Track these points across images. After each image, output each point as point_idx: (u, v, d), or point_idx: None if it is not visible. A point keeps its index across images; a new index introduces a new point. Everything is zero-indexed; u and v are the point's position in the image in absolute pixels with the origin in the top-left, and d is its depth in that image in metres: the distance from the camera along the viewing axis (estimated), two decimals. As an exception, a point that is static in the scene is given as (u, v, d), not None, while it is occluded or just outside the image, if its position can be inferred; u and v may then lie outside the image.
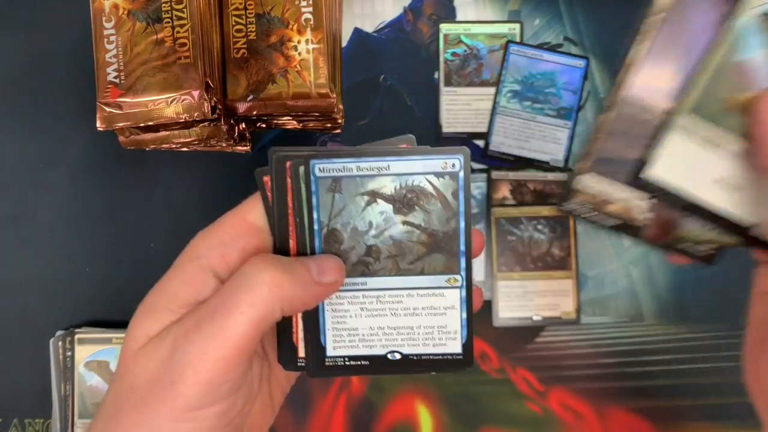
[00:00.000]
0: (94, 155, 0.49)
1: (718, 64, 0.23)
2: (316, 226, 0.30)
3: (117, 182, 0.49)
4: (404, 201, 0.30)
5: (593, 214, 0.26)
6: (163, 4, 0.41)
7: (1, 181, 0.49)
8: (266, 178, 0.30)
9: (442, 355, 0.31)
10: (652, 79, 0.25)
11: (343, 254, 0.30)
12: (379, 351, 0.31)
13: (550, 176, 0.49)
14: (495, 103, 0.49)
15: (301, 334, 0.31)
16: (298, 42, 0.43)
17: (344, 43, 0.49)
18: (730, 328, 0.48)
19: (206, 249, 0.29)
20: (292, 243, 0.30)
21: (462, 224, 0.30)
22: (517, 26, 0.49)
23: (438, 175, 0.30)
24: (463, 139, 0.49)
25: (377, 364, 0.31)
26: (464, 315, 0.30)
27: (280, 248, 0.30)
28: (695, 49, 0.24)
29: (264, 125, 0.46)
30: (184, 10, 0.41)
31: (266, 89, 0.43)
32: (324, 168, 0.30)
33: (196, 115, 0.41)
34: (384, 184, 0.30)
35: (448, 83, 0.49)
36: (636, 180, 0.25)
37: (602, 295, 0.48)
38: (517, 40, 0.49)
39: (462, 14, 0.49)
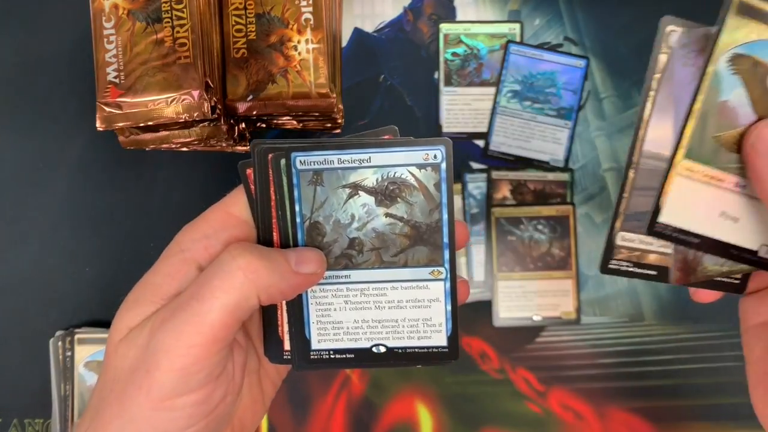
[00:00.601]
0: (94, 155, 0.49)
1: (702, 109, 0.25)
2: (298, 219, 0.30)
3: (117, 182, 0.49)
4: (386, 193, 0.30)
5: (634, 270, 0.28)
6: (163, 4, 0.41)
7: (1, 181, 0.49)
8: (249, 171, 0.30)
9: (428, 348, 0.31)
10: (660, 132, 0.27)
11: (326, 247, 0.30)
12: (363, 344, 0.31)
13: (550, 176, 0.49)
14: (495, 103, 0.49)
15: (286, 327, 0.31)
16: (298, 42, 0.43)
17: (344, 43, 0.49)
18: (730, 328, 0.48)
19: (190, 242, 0.29)
20: (275, 236, 0.30)
21: (445, 216, 0.30)
22: (517, 26, 0.49)
23: (420, 166, 0.29)
24: (463, 139, 0.50)
25: (362, 358, 0.31)
26: (449, 307, 0.30)
27: (264, 241, 0.30)
28: (685, 99, 0.26)
29: (264, 125, 0.46)
30: (184, 10, 0.41)
31: (266, 89, 0.43)
32: (305, 161, 0.29)
33: (196, 115, 0.41)
34: (366, 176, 0.30)
35: (448, 83, 0.49)
36: (649, 230, 0.27)
37: (602, 295, 0.48)
38: (517, 40, 0.49)
39: (462, 14, 0.49)
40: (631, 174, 0.28)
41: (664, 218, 0.26)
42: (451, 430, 0.48)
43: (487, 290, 0.49)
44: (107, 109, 0.41)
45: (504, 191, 0.49)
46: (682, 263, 0.28)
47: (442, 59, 0.49)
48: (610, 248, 0.29)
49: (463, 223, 0.32)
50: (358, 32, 0.49)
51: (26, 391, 0.48)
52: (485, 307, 0.48)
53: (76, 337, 0.47)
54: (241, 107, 0.43)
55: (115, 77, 0.41)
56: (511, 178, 0.49)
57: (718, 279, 0.28)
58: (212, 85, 0.41)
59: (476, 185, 0.49)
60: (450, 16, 0.49)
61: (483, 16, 0.49)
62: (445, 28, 0.49)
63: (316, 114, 0.45)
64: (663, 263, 0.29)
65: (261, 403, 0.32)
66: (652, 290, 0.48)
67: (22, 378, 0.48)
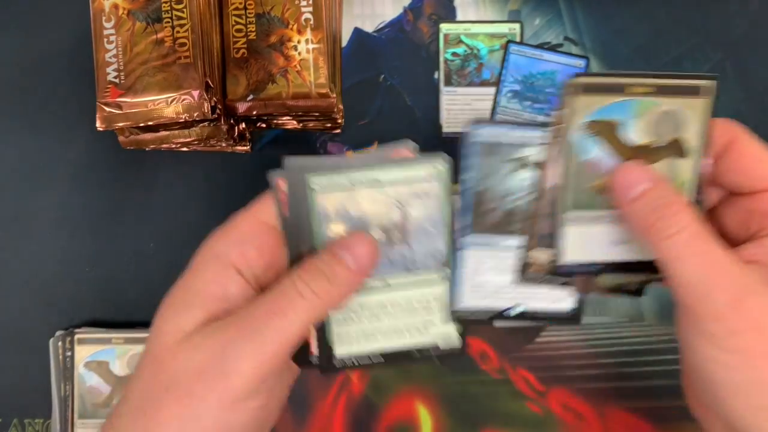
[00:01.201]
0: (94, 155, 0.49)
1: (573, 167, 0.31)
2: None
3: (117, 182, 0.49)
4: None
5: (548, 278, 0.33)
6: (163, 4, 0.41)
7: (1, 181, 0.49)
8: (278, 180, 0.31)
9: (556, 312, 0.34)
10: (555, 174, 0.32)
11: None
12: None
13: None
14: (495, 103, 0.49)
15: (312, 332, 0.32)
16: (298, 42, 0.43)
17: (344, 43, 0.49)
18: (731, 328, 0.48)
19: (224, 247, 0.30)
20: (304, 250, 0.31)
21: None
22: (517, 26, 0.49)
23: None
24: (463, 139, 0.49)
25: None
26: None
27: (294, 257, 0.31)
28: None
29: (264, 125, 0.46)
30: (184, 9, 0.41)
31: (266, 89, 0.43)
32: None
33: (196, 115, 0.41)
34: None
35: (448, 83, 0.49)
36: (556, 272, 0.32)
37: (602, 295, 0.48)
38: (518, 40, 0.49)
39: (462, 14, 0.49)
40: (541, 203, 0.32)
41: (566, 258, 0.32)
42: (451, 430, 0.48)
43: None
44: (107, 109, 0.41)
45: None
46: (582, 282, 0.33)
47: (442, 59, 0.49)
48: (523, 266, 0.33)
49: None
50: (358, 32, 0.49)
51: (26, 391, 0.48)
52: (485, 307, 0.48)
53: (76, 337, 0.47)
54: (241, 107, 0.43)
55: (115, 77, 0.41)
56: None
57: (614, 288, 0.33)
58: (212, 85, 0.41)
59: (476, 185, 0.49)
60: (450, 16, 0.49)
61: (483, 16, 0.49)
62: (445, 28, 0.49)
63: (316, 114, 0.45)
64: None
65: (280, 405, 0.33)
66: (653, 290, 0.48)
67: (22, 378, 0.48)
